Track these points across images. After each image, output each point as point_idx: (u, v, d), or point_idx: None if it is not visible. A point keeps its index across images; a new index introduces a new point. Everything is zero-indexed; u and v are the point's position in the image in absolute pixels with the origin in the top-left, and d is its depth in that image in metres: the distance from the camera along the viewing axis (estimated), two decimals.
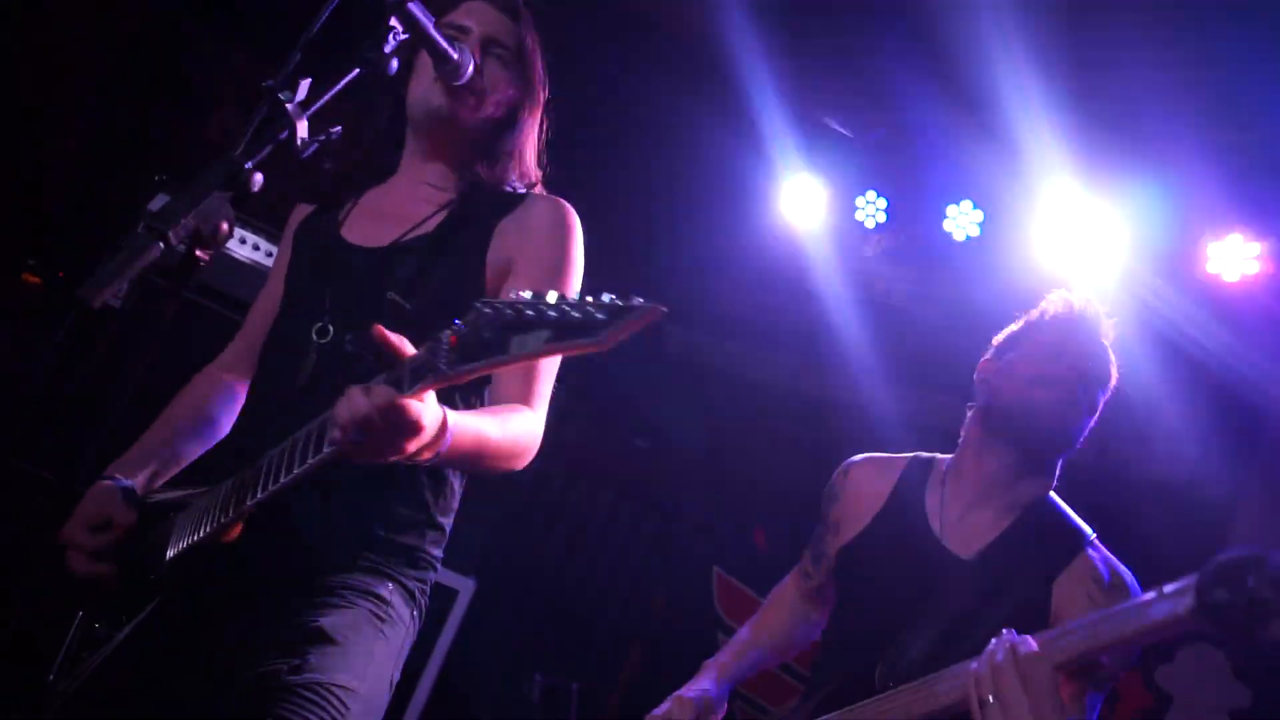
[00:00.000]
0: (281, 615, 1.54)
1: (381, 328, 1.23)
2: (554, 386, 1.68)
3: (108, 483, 1.64)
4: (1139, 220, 3.68)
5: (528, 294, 1.11)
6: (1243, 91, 3.19)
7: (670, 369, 5.04)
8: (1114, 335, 1.98)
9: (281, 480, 1.38)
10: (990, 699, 1.35)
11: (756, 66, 3.72)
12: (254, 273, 3.21)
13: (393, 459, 1.28)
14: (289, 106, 1.32)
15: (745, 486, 4.71)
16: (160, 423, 1.78)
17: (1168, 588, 1.23)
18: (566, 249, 1.69)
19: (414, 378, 1.21)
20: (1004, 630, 1.42)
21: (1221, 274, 3.54)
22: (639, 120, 4.21)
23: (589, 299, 1.07)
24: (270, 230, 3.25)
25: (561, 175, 1.89)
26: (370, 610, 1.59)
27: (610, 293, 1.08)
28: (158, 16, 4.08)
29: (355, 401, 1.22)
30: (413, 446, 1.27)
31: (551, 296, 1.09)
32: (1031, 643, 1.36)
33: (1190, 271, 3.61)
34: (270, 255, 3.24)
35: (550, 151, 1.88)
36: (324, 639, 1.52)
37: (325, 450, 1.30)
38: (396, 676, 1.64)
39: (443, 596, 3.84)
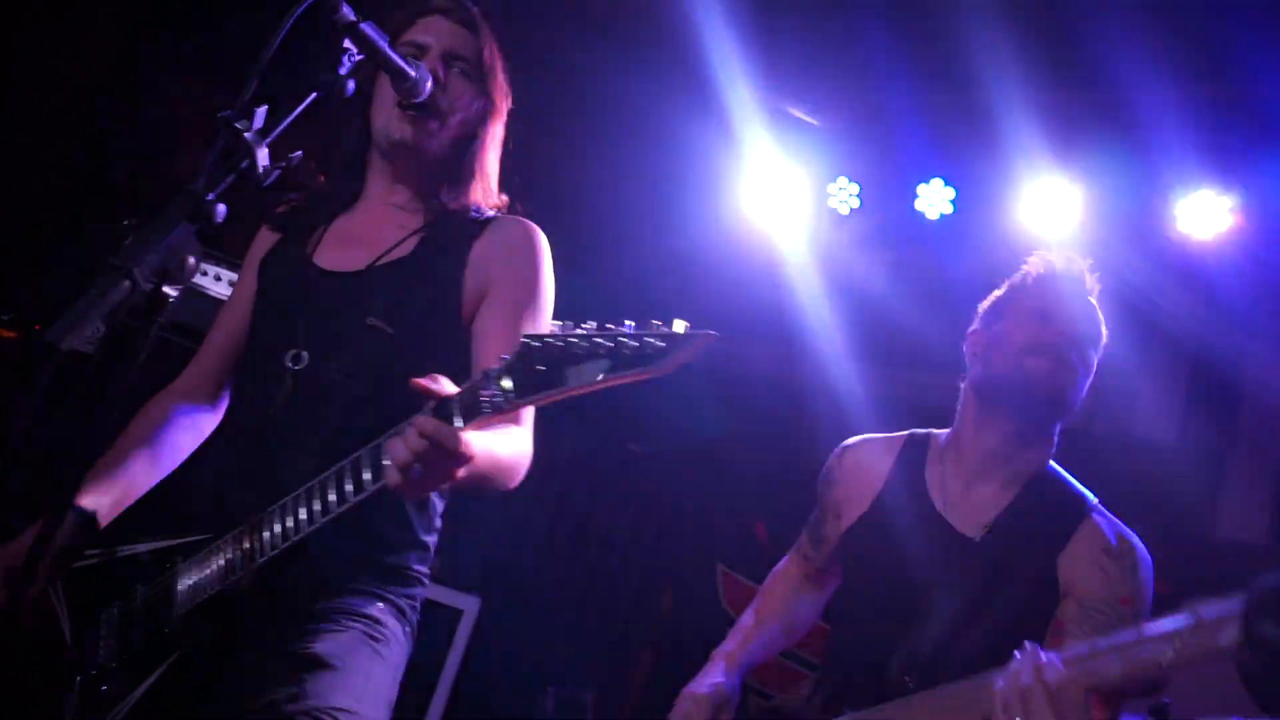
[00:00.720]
0: (278, 646, 1.53)
1: (419, 381, 1.29)
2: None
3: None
4: (1110, 183, 3.70)
5: (574, 327, 1.16)
6: (1213, 47, 3.20)
7: None
8: (1098, 288, 1.97)
9: (316, 524, 1.41)
10: None
11: (725, 56, 3.71)
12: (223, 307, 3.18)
13: (440, 488, 1.33)
14: (247, 136, 1.30)
15: (740, 481, 4.71)
16: (116, 451, 1.70)
17: (1205, 613, 1.15)
18: (539, 271, 1.72)
19: (468, 412, 1.26)
20: (1027, 644, 1.36)
21: (1192, 232, 3.56)
22: (607, 115, 4.20)
23: (642, 329, 1.13)
24: (238, 262, 3.21)
25: (531, 173, 1.88)
26: (363, 631, 1.59)
27: (652, 319, 1.13)
28: (115, 59, 4.05)
29: (413, 440, 1.26)
30: (462, 474, 1.31)
31: (598, 327, 1.15)
32: (1058, 663, 1.29)
33: (1162, 231, 3.64)
34: None
35: (519, 151, 1.87)
36: (319, 664, 1.51)
37: (369, 489, 1.35)
38: (394, 696, 1.63)
39: (448, 617, 3.81)
